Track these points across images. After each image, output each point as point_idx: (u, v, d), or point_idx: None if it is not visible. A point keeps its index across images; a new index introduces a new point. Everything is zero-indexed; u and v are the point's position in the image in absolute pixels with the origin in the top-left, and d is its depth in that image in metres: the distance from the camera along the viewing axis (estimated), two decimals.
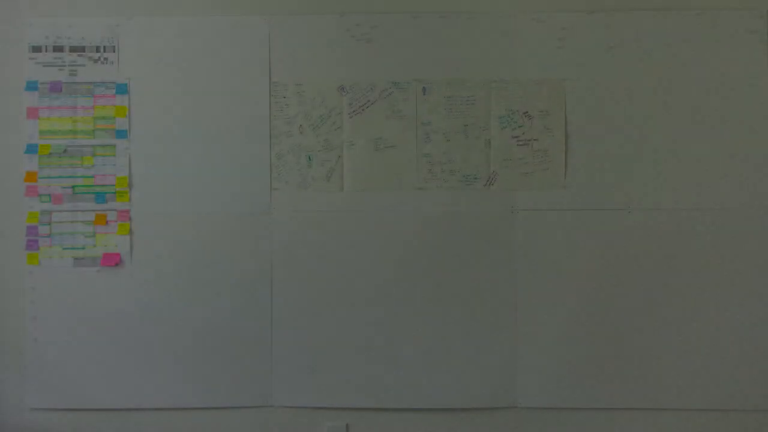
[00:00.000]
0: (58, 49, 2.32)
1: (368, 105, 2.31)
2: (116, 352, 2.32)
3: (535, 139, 2.31)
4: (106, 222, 2.32)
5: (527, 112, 2.30)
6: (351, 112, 2.32)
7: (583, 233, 2.28)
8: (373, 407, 2.33)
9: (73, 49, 2.32)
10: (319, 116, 2.32)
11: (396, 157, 2.31)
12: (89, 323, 2.32)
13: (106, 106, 2.32)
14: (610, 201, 2.29)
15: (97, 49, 2.32)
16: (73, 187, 2.32)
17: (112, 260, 2.31)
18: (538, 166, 2.31)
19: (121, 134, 2.33)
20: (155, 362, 2.32)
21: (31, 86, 2.32)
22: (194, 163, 2.32)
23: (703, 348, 2.27)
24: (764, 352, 2.26)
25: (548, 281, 2.29)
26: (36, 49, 2.32)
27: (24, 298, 2.33)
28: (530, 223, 2.29)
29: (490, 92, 2.30)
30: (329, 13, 2.33)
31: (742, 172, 2.26)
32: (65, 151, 2.32)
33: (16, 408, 2.35)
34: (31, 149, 2.32)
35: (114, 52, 2.33)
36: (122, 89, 2.32)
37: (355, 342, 2.31)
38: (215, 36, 2.32)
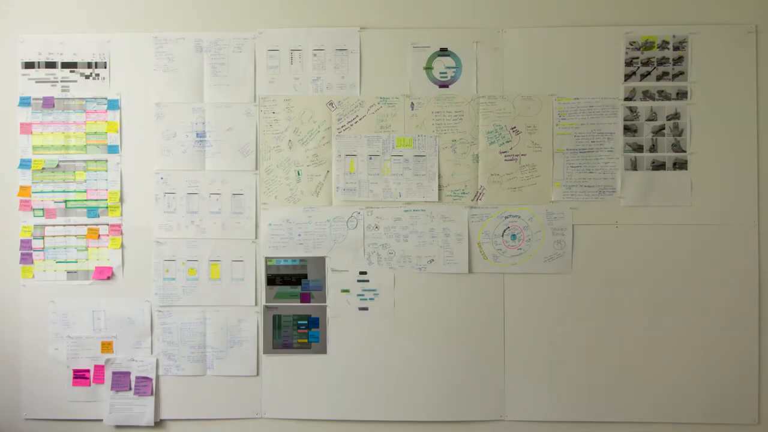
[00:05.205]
0: (50, 65, 2.35)
1: (357, 120, 2.33)
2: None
3: (522, 155, 2.31)
4: (99, 236, 2.35)
5: (515, 127, 2.31)
6: (340, 128, 2.33)
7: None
8: (362, 419, 2.35)
9: (65, 65, 2.35)
10: (308, 131, 2.34)
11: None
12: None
13: (97, 121, 2.35)
14: (598, 215, 2.30)
15: (89, 65, 2.35)
16: (65, 201, 2.36)
17: (104, 274, 2.35)
18: (526, 181, 2.32)
19: (113, 149, 2.36)
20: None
21: (24, 102, 2.35)
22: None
23: (679, 362, 2.29)
24: (737, 366, 2.28)
25: (535, 298, 2.31)
26: (28, 65, 2.36)
27: (18, 311, 2.37)
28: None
29: (477, 107, 2.31)
30: (317, 26, 2.34)
31: (726, 188, 2.27)
32: (58, 165, 2.36)
33: (11, 417, 2.40)
34: (25, 164, 2.35)
35: (105, 68, 2.35)
36: (113, 105, 2.35)
37: (350, 349, 2.35)
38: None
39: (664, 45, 2.28)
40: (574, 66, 2.30)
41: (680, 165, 2.28)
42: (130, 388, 2.36)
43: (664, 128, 2.29)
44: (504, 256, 2.32)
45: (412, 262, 2.33)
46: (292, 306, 2.35)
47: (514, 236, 2.31)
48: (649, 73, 2.29)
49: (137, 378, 2.36)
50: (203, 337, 2.35)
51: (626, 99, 2.29)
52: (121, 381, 2.35)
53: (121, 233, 2.36)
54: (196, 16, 2.36)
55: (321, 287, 2.34)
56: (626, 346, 2.30)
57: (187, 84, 2.35)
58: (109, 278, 2.36)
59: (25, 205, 2.36)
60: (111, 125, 2.35)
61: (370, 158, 2.33)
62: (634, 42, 2.29)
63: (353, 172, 2.33)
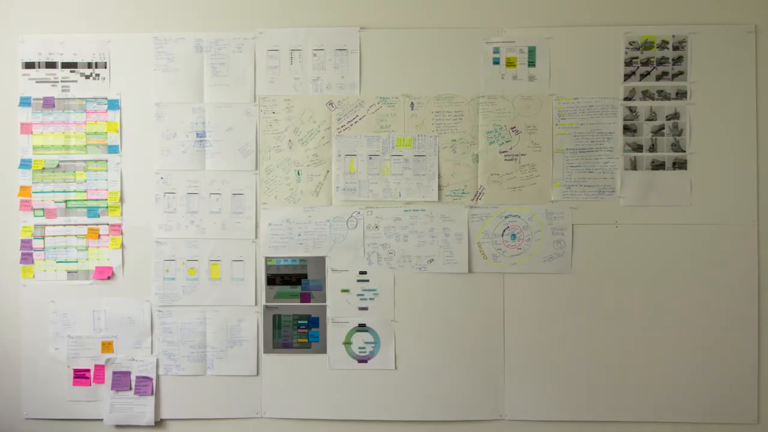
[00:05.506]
0: (50, 65, 2.36)
1: (357, 120, 2.33)
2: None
3: (522, 154, 2.32)
4: (99, 236, 2.35)
5: (515, 127, 2.31)
6: (340, 127, 2.33)
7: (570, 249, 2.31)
8: (361, 419, 2.36)
9: (65, 65, 2.36)
10: (308, 131, 2.34)
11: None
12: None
13: (97, 121, 2.36)
14: (598, 215, 2.30)
15: (89, 65, 2.35)
16: (66, 201, 2.36)
17: (105, 273, 2.35)
18: (526, 181, 2.32)
19: (113, 149, 2.36)
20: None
21: (25, 102, 2.35)
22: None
23: (679, 362, 2.29)
24: (737, 365, 2.28)
25: (534, 297, 2.31)
26: (29, 65, 2.36)
27: (19, 311, 2.38)
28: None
29: (477, 107, 2.31)
30: (317, 26, 2.34)
31: (726, 188, 2.27)
32: (58, 165, 2.36)
33: (12, 416, 2.40)
34: (25, 164, 2.36)
35: (105, 68, 2.36)
36: (114, 105, 2.35)
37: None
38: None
39: (663, 45, 2.29)
40: (574, 66, 2.30)
41: (680, 165, 2.28)
42: (131, 388, 2.36)
43: (663, 128, 2.29)
44: (504, 255, 2.32)
45: (412, 261, 2.33)
46: (292, 306, 2.35)
47: (513, 236, 2.32)
48: (648, 73, 2.30)
49: (137, 378, 2.36)
50: (203, 336, 2.36)
51: (626, 99, 2.30)
52: (121, 381, 2.36)
53: (122, 233, 2.36)
54: (196, 16, 2.36)
55: (321, 287, 2.35)
56: (626, 345, 2.30)
57: (187, 84, 2.35)
58: (109, 278, 2.36)
59: (25, 205, 2.36)
60: (111, 125, 2.36)
61: (370, 158, 2.33)
62: (634, 42, 2.29)
63: (353, 171, 2.33)
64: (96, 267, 2.36)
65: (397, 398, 2.34)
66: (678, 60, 2.28)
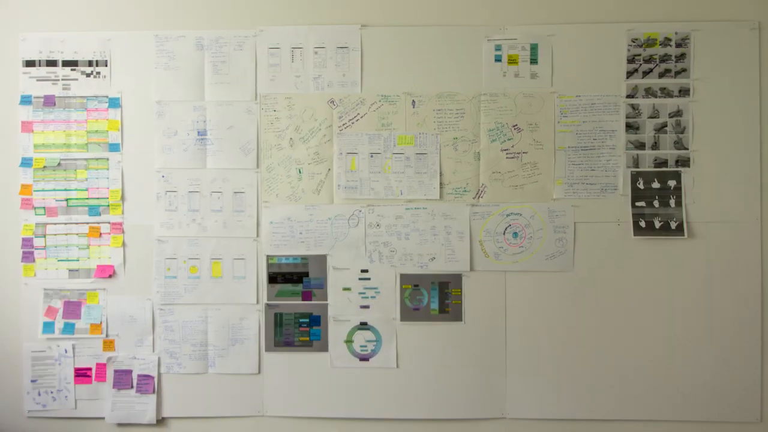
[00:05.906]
0: (51, 63, 2.35)
1: (358, 118, 2.32)
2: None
3: (524, 152, 2.31)
4: (100, 234, 2.35)
5: (516, 125, 2.30)
6: (341, 125, 2.33)
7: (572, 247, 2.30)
8: (363, 417, 2.35)
9: (66, 64, 2.35)
10: (309, 129, 2.33)
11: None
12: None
13: (98, 119, 2.35)
14: (600, 213, 2.29)
15: (90, 63, 2.35)
16: (67, 200, 2.36)
17: (106, 272, 2.35)
18: (528, 179, 2.31)
19: (114, 147, 2.36)
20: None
21: (26, 100, 2.35)
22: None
23: (681, 360, 2.28)
24: (740, 364, 2.27)
25: (536, 295, 2.31)
26: (29, 63, 2.36)
27: (20, 309, 2.38)
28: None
29: (479, 105, 2.30)
30: (318, 24, 2.33)
31: (729, 186, 2.26)
32: (59, 164, 2.36)
33: (14, 414, 2.40)
34: (26, 162, 2.35)
35: (106, 66, 2.35)
36: (114, 103, 2.35)
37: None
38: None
39: (666, 42, 2.28)
40: (576, 63, 2.29)
41: (683, 162, 2.27)
42: (132, 386, 2.36)
43: (666, 126, 2.28)
44: (505, 253, 2.31)
45: (414, 260, 2.33)
46: (294, 304, 2.35)
47: (515, 234, 2.31)
48: (651, 71, 2.28)
49: (139, 376, 2.36)
50: (205, 335, 2.35)
51: (628, 96, 2.29)
52: (122, 379, 2.36)
53: (123, 231, 2.36)
54: (197, 14, 2.36)
55: (322, 285, 2.34)
56: (628, 343, 2.29)
57: (188, 82, 2.35)
58: (110, 276, 2.36)
59: (26, 204, 2.36)
60: (112, 123, 2.35)
61: (372, 156, 2.32)
62: (636, 39, 2.28)
63: (354, 170, 2.32)
64: (97, 265, 2.36)
65: (399, 396, 2.34)
66: (681, 57, 2.27)
